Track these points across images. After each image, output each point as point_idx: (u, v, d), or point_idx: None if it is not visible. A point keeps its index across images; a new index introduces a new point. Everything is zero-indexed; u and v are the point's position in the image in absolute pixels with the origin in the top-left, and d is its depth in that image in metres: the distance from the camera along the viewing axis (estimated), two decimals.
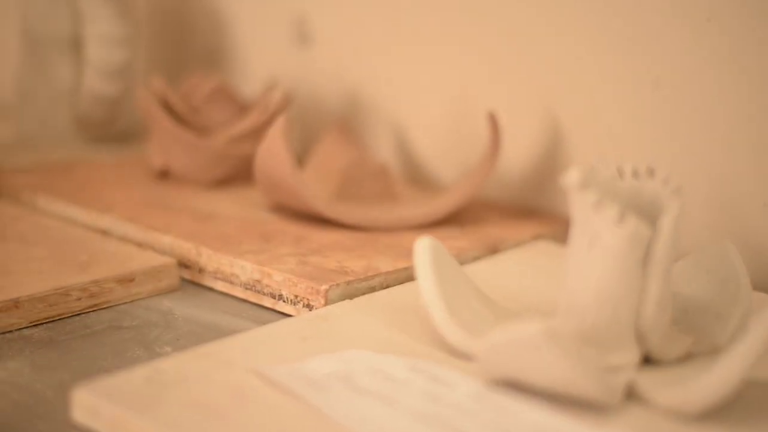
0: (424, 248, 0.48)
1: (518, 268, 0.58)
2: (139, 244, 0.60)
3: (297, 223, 0.63)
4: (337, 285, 0.53)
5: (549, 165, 0.69)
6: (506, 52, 0.70)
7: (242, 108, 0.73)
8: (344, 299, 0.53)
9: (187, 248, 0.58)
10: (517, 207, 0.71)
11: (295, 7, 0.82)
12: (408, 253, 0.54)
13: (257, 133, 0.71)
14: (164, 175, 0.73)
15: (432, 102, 0.75)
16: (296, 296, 0.53)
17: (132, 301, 0.55)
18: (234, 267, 0.56)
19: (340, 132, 0.72)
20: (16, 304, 0.51)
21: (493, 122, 0.66)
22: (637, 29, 0.64)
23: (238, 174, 0.72)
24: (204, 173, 0.70)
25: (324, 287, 0.53)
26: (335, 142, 0.72)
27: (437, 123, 0.74)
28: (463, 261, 0.58)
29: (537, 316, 0.46)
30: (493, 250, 0.62)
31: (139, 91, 0.70)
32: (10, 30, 0.94)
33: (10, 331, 0.50)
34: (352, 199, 0.66)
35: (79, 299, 0.53)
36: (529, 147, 0.70)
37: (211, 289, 0.57)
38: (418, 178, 0.76)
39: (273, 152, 0.61)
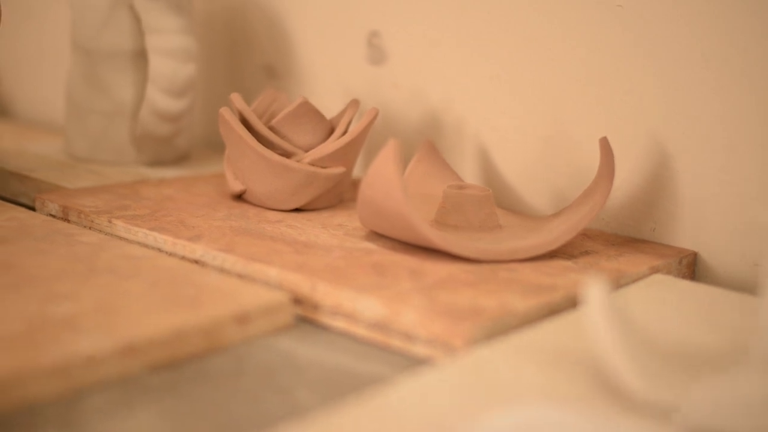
0: (597, 293, 0.43)
1: (649, 305, 0.54)
2: (239, 276, 0.55)
3: (402, 253, 0.59)
4: (478, 324, 0.48)
5: (652, 192, 0.65)
6: (605, 74, 0.66)
7: (325, 127, 0.68)
8: (483, 339, 0.48)
9: (298, 282, 0.53)
10: (619, 236, 0.67)
11: (367, 22, 0.77)
12: (536, 288, 0.52)
13: (345, 154, 0.66)
14: (239, 197, 0.68)
15: (521, 125, 0.70)
16: (432, 336, 0.49)
17: (247, 341, 0.50)
18: (357, 303, 0.51)
19: (428, 154, 0.68)
20: (132, 347, 0.45)
21: (607, 147, 0.62)
22: (742, 53, 0.60)
23: (320, 197, 0.67)
24: (289, 197, 0.65)
25: (465, 327, 0.48)
26: (424, 165, 0.67)
27: (526, 146, 0.70)
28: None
29: (738, 366, 0.41)
30: (615, 284, 0.57)
31: (222, 110, 0.65)
32: (64, 43, 0.89)
33: (127, 378, 0.45)
34: (454, 227, 0.61)
35: (197, 340, 0.48)
36: (630, 173, 0.66)
37: (328, 327, 0.52)
38: (503, 203, 0.71)
39: (384, 178, 0.56)
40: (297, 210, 0.66)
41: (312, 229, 0.63)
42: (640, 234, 0.66)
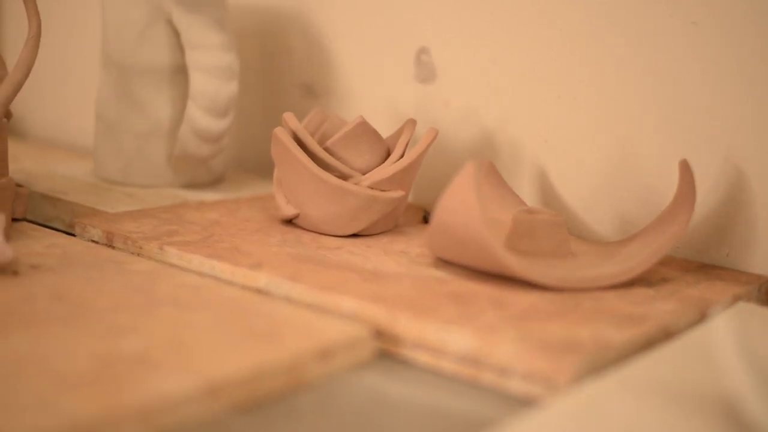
0: (725, 324, 0.40)
1: (744, 338, 0.50)
2: (308, 306, 0.51)
3: (475, 281, 0.55)
4: (581, 358, 0.45)
5: (727, 216, 0.62)
6: (677, 93, 0.63)
7: (382, 148, 0.64)
8: (584, 374, 0.45)
9: (376, 313, 0.50)
10: (691, 261, 0.63)
11: (416, 38, 0.73)
12: (627, 319, 0.50)
13: (404, 177, 0.62)
14: (289, 222, 0.64)
15: (584, 146, 0.66)
16: (530, 371, 0.45)
17: (330, 378, 0.46)
18: (443, 336, 0.48)
19: (488, 176, 0.64)
20: (214, 386, 0.41)
21: (687, 170, 0.58)
22: None
23: (377, 222, 0.63)
24: (346, 222, 0.62)
25: (568, 362, 0.45)
26: (484, 188, 0.63)
27: (589, 169, 0.66)
28: (676, 328, 0.51)
29: None
30: (702, 314, 0.54)
31: (277, 130, 0.62)
32: (82, 59, 0.85)
33: (210, 419, 0.41)
34: (525, 253, 0.58)
35: (279, 378, 0.44)
36: (704, 196, 0.63)
37: (410, 361, 0.49)
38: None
39: (462, 203, 0.53)
40: (354, 235, 0.63)
41: (375, 256, 0.59)
42: (713, 259, 0.63)
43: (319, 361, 0.46)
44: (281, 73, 0.82)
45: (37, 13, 0.60)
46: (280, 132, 0.61)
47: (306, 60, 0.80)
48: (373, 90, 0.76)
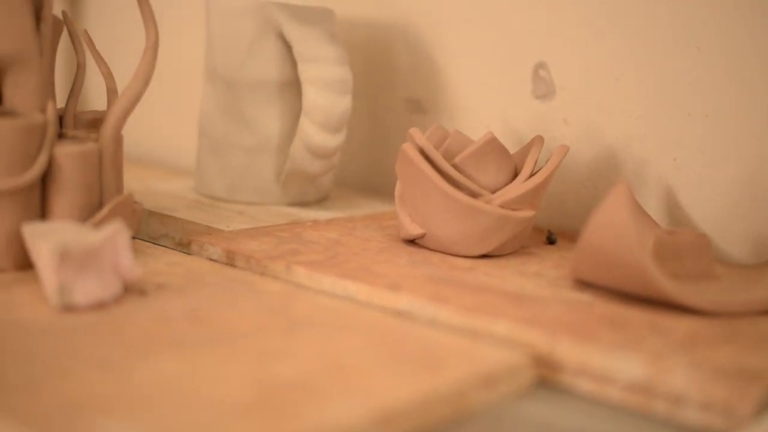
0: None
1: None
2: (456, 329, 0.49)
3: (626, 305, 0.53)
4: (762, 388, 0.43)
5: None
6: None
7: (510, 165, 0.61)
8: (762, 405, 0.42)
9: (534, 338, 0.47)
10: None
11: (533, 53, 0.71)
12: None
13: (535, 196, 0.60)
14: (412, 241, 0.61)
15: (716, 164, 0.64)
16: (710, 400, 0.42)
17: (492, 407, 0.43)
18: (610, 363, 0.45)
19: (622, 196, 0.61)
20: (382, 417, 0.39)
21: None
22: None
23: (506, 243, 0.60)
24: (477, 242, 0.59)
25: (753, 391, 0.42)
26: (618, 208, 0.60)
27: (722, 188, 0.64)
28: None
29: None
30: None
31: (405, 146, 0.59)
32: (197, 72, 0.83)
33: None
34: (670, 276, 0.55)
35: (444, 407, 0.41)
36: None
37: (571, 389, 0.46)
38: None
39: (615, 225, 0.50)
40: (483, 256, 0.60)
41: (511, 277, 0.56)
42: None
43: (482, 389, 0.43)
44: (386, 88, 0.79)
45: (155, 23, 0.58)
46: (408, 148, 0.59)
47: (413, 74, 0.77)
48: (486, 106, 0.74)
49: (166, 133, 0.95)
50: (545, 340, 0.47)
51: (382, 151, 0.80)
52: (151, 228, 0.67)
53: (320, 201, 0.74)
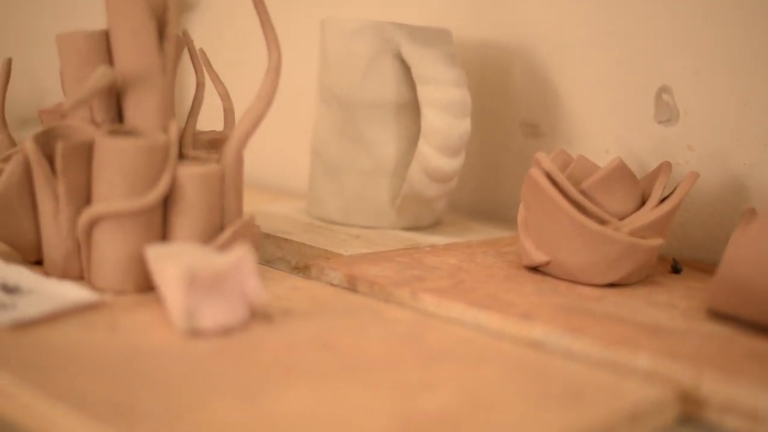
0: None
1: None
2: (593, 361, 0.47)
3: (764, 338, 0.51)
4: None
5: None
6: None
7: (637, 192, 0.60)
8: None
9: (678, 373, 0.45)
10: None
11: (655, 77, 0.69)
12: None
13: (664, 224, 0.58)
14: (535, 269, 0.60)
15: None
16: None
17: None
18: (760, 399, 0.43)
19: (766, 227, 0.59)
20: None
21: None
22: None
23: (633, 272, 0.59)
24: (604, 270, 0.58)
25: None
26: (763, 239, 0.58)
27: None
28: None
29: None
30: None
31: (533, 171, 0.57)
32: (303, 93, 0.82)
33: None
34: None
35: None
36: None
37: (716, 427, 0.44)
38: None
39: (762, 257, 0.48)
40: (609, 285, 0.58)
41: (641, 308, 0.55)
42: None
43: (629, 425, 0.42)
44: (501, 111, 0.78)
45: (278, 44, 0.57)
46: (536, 174, 0.57)
47: (530, 97, 0.76)
48: (606, 130, 0.72)
49: (272, 154, 0.94)
50: (689, 374, 0.45)
51: (494, 176, 0.79)
52: (267, 251, 0.66)
53: (434, 225, 0.73)
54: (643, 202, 0.61)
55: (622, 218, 0.59)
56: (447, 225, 0.74)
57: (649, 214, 0.58)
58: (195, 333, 0.48)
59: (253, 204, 0.79)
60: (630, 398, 0.43)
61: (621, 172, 0.59)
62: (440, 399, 0.41)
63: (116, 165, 0.52)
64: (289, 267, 0.65)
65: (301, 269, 0.62)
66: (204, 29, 0.99)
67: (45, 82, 1.12)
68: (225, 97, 0.63)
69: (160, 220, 0.54)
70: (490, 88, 0.79)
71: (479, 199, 0.79)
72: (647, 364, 0.46)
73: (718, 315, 0.54)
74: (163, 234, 0.55)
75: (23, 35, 1.25)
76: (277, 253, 0.66)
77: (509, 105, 0.78)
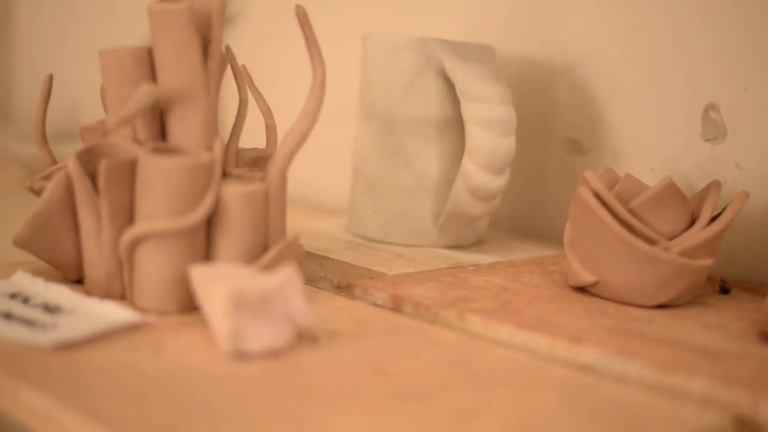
0: None
1: None
2: (645, 385, 0.47)
3: None
4: None
5: None
6: None
7: (687, 211, 0.58)
8: None
9: (735, 398, 0.44)
10: None
11: (702, 94, 0.68)
12: None
13: (714, 244, 0.57)
14: (582, 289, 0.59)
15: None
16: None
17: None
18: None
19: None
20: None
21: None
22: None
23: (682, 293, 0.58)
24: (654, 291, 0.57)
25: None
26: None
27: None
28: None
29: None
30: None
31: (582, 190, 0.57)
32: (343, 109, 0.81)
33: None
34: None
35: None
36: None
37: None
38: None
39: None
40: (658, 306, 0.57)
41: (693, 330, 0.54)
42: None
43: None
44: (542, 127, 0.77)
45: (322, 61, 0.56)
46: (584, 192, 0.57)
47: (574, 114, 0.75)
48: (652, 148, 0.71)
49: (311, 171, 0.93)
50: (746, 399, 0.44)
51: (535, 193, 0.78)
52: (309, 270, 0.66)
53: (476, 244, 0.72)
54: (692, 222, 0.60)
55: (671, 238, 0.58)
56: (489, 243, 0.73)
57: (699, 235, 0.57)
58: (241, 355, 0.47)
59: (291, 220, 0.78)
60: (687, 424, 0.42)
61: (671, 192, 0.58)
62: (492, 426, 0.41)
63: (160, 183, 0.51)
64: (331, 286, 0.64)
65: (344, 288, 0.61)
66: (243, 42, 0.99)
67: (78, 99, 1.12)
68: (267, 114, 0.62)
69: (204, 239, 0.54)
70: (531, 103, 0.78)
71: (521, 216, 0.78)
72: (702, 388, 0.45)
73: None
74: (207, 253, 0.54)
75: (57, 50, 1.25)
76: (319, 272, 0.65)
77: (551, 121, 0.77)
